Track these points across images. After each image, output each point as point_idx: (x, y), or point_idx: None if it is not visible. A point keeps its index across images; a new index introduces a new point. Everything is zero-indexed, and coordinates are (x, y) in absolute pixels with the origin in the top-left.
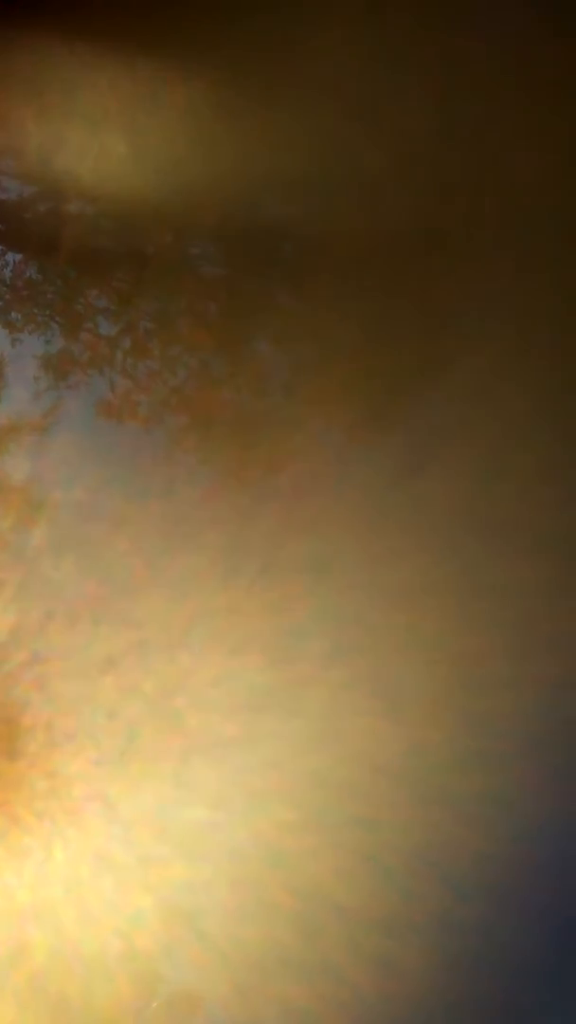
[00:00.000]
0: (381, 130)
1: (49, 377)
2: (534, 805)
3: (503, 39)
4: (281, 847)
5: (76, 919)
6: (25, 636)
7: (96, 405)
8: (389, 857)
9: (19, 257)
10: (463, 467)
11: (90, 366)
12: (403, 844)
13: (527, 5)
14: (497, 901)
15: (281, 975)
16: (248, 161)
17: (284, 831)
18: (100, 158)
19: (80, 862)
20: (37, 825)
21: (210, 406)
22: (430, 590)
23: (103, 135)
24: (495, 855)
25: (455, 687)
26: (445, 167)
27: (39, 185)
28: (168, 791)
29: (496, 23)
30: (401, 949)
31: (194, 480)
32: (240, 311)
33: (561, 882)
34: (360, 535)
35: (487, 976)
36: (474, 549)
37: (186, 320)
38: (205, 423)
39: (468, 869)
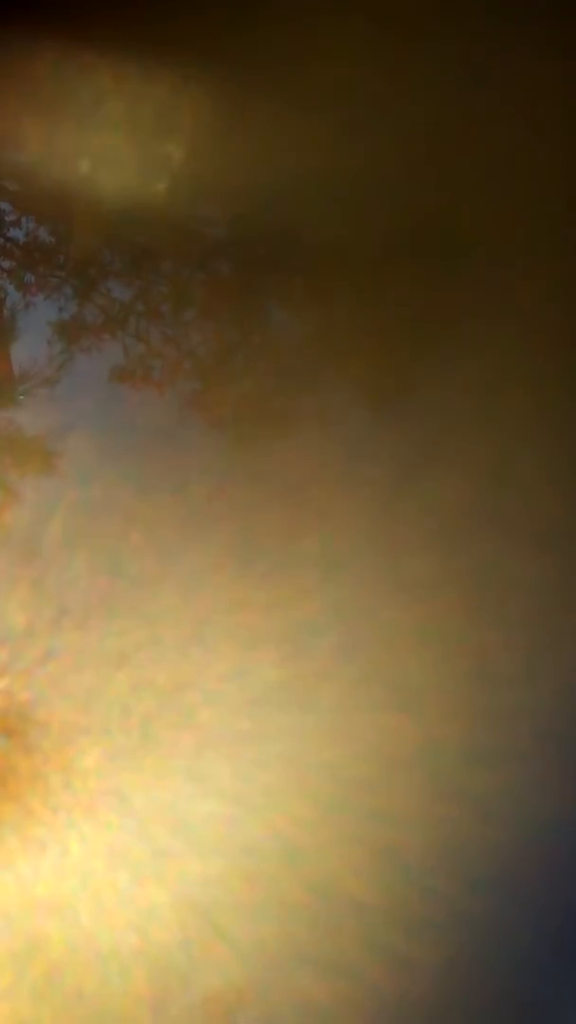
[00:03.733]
0: (394, 131)
1: (63, 342)
2: (548, 800)
3: (510, 47)
4: (296, 842)
5: (92, 913)
6: (39, 632)
7: (110, 370)
8: (404, 853)
9: (32, 219)
10: (473, 462)
11: (104, 331)
12: (418, 840)
13: (531, 13)
14: (512, 897)
15: (297, 971)
16: (262, 150)
17: (299, 826)
18: (115, 144)
19: (95, 856)
20: (52, 819)
21: (223, 376)
22: (442, 585)
23: (125, 122)
24: (510, 850)
25: (468, 682)
26: (454, 170)
27: (51, 158)
28: (182, 785)
29: (502, 31)
30: (417, 945)
31: (207, 475)
32: (253, 279)
33: None
34: (372, 530)
35: (502, 972)
36: (485, 544)
37: (200, 282)
38: (219, 390)
39: (483, 865)
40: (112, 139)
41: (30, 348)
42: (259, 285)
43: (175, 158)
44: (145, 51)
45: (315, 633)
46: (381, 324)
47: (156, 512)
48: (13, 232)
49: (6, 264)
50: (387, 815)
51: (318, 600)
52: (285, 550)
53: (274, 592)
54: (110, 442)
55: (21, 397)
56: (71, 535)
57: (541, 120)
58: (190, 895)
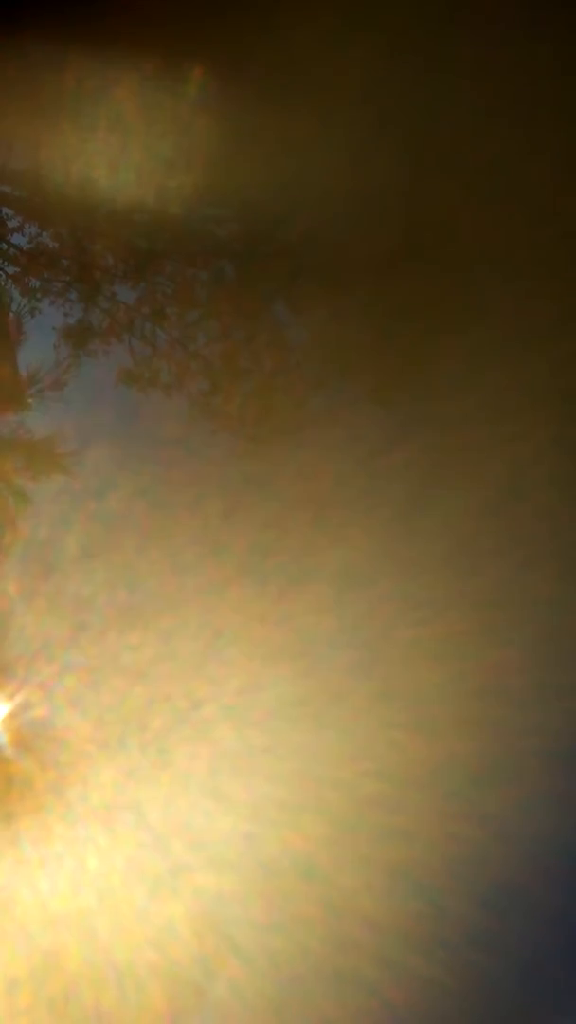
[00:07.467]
0: (405, 137)
1: (69, 346)
2: (561, 819)
3: (519, 62)
4: (311, 859)
5: (109, 928)
6: (57, 647)
7: (117, 373)
8: (417, 871)
9: (35, 224)
10: (489, 481)
11: (110, 334)
12: (433, 858)
13: (539, 28)
14: (523, 915)
15: (312, 988)
16: (269, 152)
17: (315, 843)
18: (118, 147)
19: (112, 871)
20: (70, 834)
21: (232, 382)
22: (458, 603)
23: (126, 126)
24: (522, 869)
25: (482, 700)
26: (468, 179)
27: (54, 163)
28: (199, 801)
29: (510, 47)
30: (431, 964)
31: (224, 490)
32: (256, 278)
33: None
34: (389, 546)
35: (514, 989)
36: (502, 562)
37: (203, 283)
38: (227, 395)
39: (495, 883)
40: (115, 142)
41: (37, 353)
42: (267, 293)
43: (179, 160)
44: (150, 55)
45: (331, 649)
46: (394, 335)
47: (173, 527)
48: (16, 238)
49: (11, 270)
50: (401, 833)
51: (334, 616)
52: (301, 566)
53: (290, 607)
54: (119, 447)
55: (30, 400)
56: (89, 550)
57: (549, 132)
58: (206, 910)
